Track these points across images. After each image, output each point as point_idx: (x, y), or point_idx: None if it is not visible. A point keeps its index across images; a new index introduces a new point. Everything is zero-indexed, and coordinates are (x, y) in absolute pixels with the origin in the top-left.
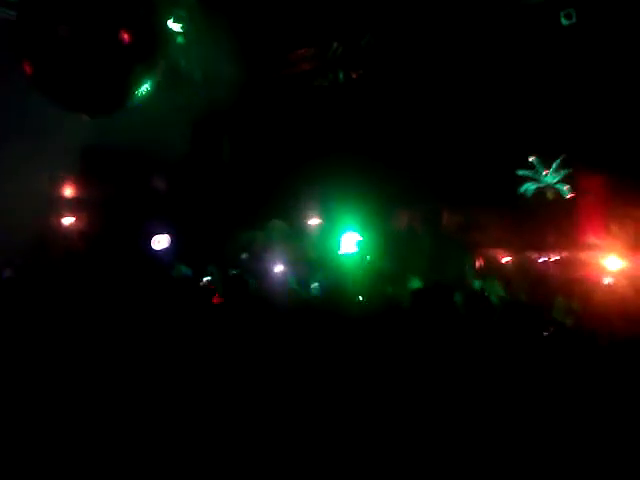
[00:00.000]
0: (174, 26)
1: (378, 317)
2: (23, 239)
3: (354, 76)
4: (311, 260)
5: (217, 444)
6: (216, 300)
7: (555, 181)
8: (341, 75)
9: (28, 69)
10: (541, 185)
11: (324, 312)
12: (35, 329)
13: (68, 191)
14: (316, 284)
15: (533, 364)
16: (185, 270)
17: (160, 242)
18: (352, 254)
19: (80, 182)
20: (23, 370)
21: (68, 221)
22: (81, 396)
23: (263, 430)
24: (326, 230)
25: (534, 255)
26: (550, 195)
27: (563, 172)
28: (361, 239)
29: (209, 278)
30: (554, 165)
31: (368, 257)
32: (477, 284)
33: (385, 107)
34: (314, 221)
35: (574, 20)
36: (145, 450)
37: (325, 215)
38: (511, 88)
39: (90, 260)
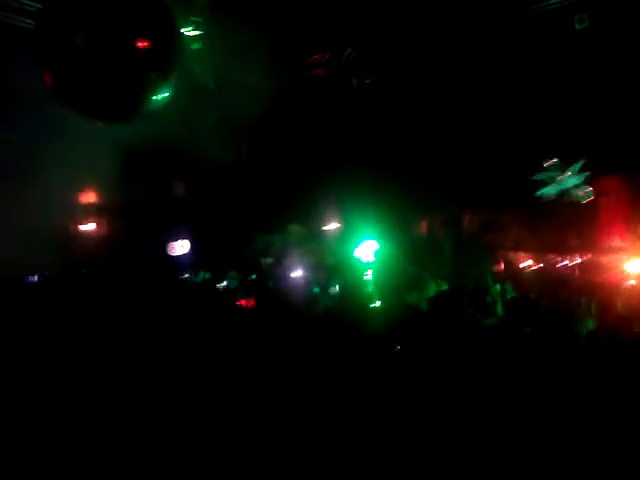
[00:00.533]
0: (189, 32)
1: (398, 322)
2: (48, 245)
3: (367, 82)
4: (329, 265)
5: (235, 445)
6: (243, 303)
7: (576, 183)
8: (355, 81)
9: (47, 78)
10: (562, 187)
11: (343, 317)
12: (59, 332)
13: (89, 198)
14: (334, 289)
15: (554, 367)
16: (204, 275)
17: (180, 247)
18: (370, 260)
19: (100, 188)
20: (47, 372)
21: (89, 227)
22: (105, 397)
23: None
24: (344, 235)
25: (555, 258)
26: (571, 197)
27: (584, 174)
28: (379, 245)
29: (227, 282)
30: (574, 167)
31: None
32: (496, 288)
33: (402, 111)
34: (332, 226)
35: (587, 24)
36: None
37: (343, 220)
38: (529, 91)
39: (111, 266)
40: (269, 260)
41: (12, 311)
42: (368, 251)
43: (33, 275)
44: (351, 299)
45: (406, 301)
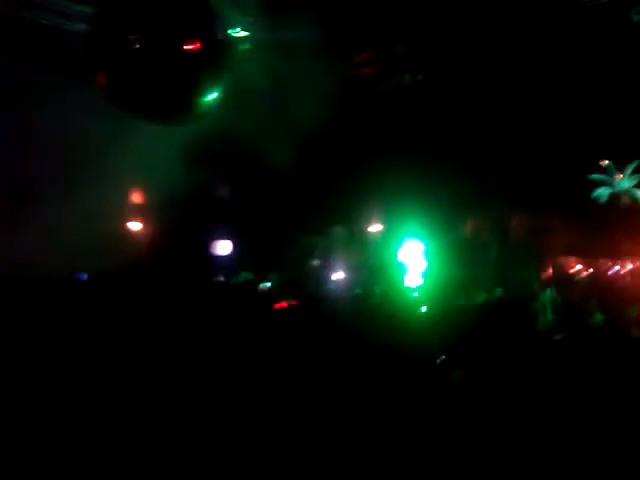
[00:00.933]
0: (239, 34)
1: (448, 326)
2: (96, 244)
3: (420, 78)
4: (373, 267)
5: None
6: (279, 305)
7: (630, 186)
8: (407, 78)
9: (101, 80)
10: (615, 190)
11: (386, 319)
12: (107, 330)
13: (136, 197)
14: (378, 290)
15: (599, 377)
16: (247, 276)
17: (223, 248)
18: (416, 262)
19: (146, 188)
20: (90, 368)
21: (135, 227)
22: (152, 392)
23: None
24: (388, 237)
25: (607, 264)
26: (624, 200)
27: (638, 177)
28: (425, 247)
29: (269, 284)
30: (629, 169)
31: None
32: (546, 294)
33: (451, 110)
34: (376, 227)
35: None
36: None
37: (388, 221)
38: (585, 90)
39: (157, 265)
40: (315, 262)
41: (60, 308)
42: (413, 253)
43: (82, 274)
44: (393, 303)
45: (454, 307)
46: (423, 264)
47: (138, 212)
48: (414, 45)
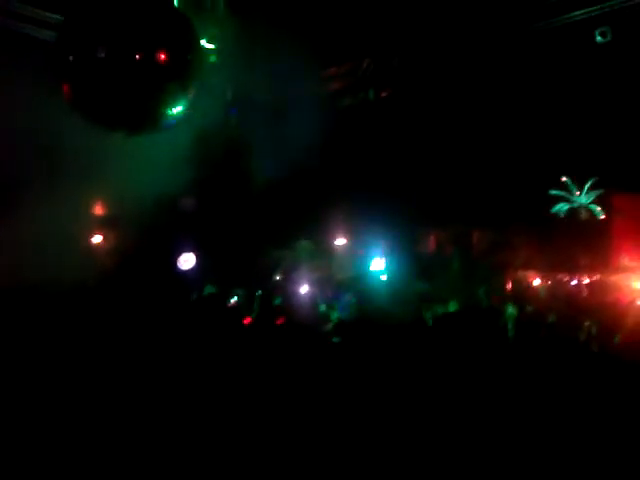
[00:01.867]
0: (207, 45)
1: (412, 339)
2: (66, 257)
3: (384, 95)
4: (338, 281)
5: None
6: (247, 321)
7: (588, 201)
8: (371, 94)
9: (66, 90)
10: (574, 205)
11: (354, 333)
12: (65, 343)
13: (100, 210)
14: (345, 304)
15: (561, 385)
16: (212, 290)
17: (187, 261)
18: (381, 276)
19: (111, 201)
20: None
21: (102, 240)
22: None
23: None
24: (354, 251)
25: (564, 277)
26: (583, 215)
27: (595, 192)
28: (389, 262)
29: (236, 299)
30: (587, 185)
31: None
32: (508, 309)
33: (415, 125)
34: (342, 242)
35: (609, 38)
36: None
37: (353, 236)
38: (543, 108)
39: (120, 278)
40: (279, 276)
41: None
42: (378, 267)
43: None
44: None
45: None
46: (387, 278)
47: (106, 225)
48: (381, 61)
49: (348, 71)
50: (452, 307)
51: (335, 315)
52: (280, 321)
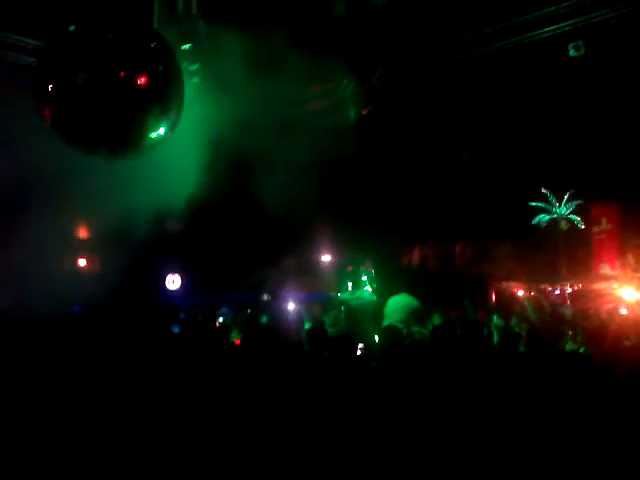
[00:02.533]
0: (189, 66)
1: (398, 354)
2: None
3: (365, 112)
4: (325, 298)
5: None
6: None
7: (568, 212)
8: (352, 113)
9: (47, 114)
10: (554, 216)
11: (340, 350)
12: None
13: (84, 233)
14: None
15: (545, 394)
16: (197, 312)
17: (173, 282)
18: (366, 291)
19: (95, 223)
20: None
21: (82, 264)
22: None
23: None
24: (339, 268)
25: (547, 288)
26: (563, 226)
27: (575, 203)
28: (374, 276)
29: (222, 319)
30: (566, 196)
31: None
32: (493, 319)
33: (397, 142)
34: (327, 258)
35: (583, 52)
36: None
37: (338, 253)
38: (522, 122)
39: (103, 304)
40: (266, 296)
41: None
42: (362, 282)
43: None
44: (353, 331)
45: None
46: (372, 292)
47: (85, 248)
48: (360, 80)
49: (328, 90)
50: (436, 320)
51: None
52: (266, 339)
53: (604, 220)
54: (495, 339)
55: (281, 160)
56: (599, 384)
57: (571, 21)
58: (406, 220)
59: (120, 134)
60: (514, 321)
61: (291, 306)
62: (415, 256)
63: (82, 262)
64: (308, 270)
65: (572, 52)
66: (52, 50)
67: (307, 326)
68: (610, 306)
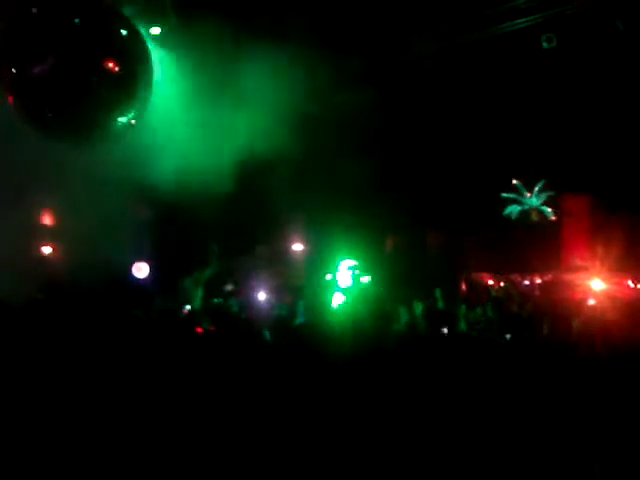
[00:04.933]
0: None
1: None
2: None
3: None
4: (296, 286)
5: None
6: (200, 330)
7: (539, 203)
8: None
9: (12, 100)
10: (525, 207)
11: (311, 339)
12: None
13: (49, 220)
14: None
15: (519, 382)
16: (165, 299)
17: (140, 270)
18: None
19: (61, 210)
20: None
21: (48, 250)
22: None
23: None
24: (311, 256)
25: (517, 278)
26: (534, 217)
27: (546, 194)
28: (352, 265)
29: (189, 307)
30: (537, 187)
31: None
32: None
33: (370, 132)
34: (299, 247)
35: (555, 44)
36: None
37: (310, 241)
38: (493, 113)
39: (70, 290)
40: (230, 286)
41: None
42: (340, 272)
43: None
44: (318, 322)
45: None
46: (349, 281)
47: (50, 235)
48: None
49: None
50: (417, 309)
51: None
52: (237, 328)
53: (574, 211)
54: (464, 328)
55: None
56: (567, 370)
57: (543, 13)
58: (378, 210)
59: (86, 121)
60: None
61: (262, 295)
62: (388, 246)
63: (47, 249)
64: (280, 259)
65: (545, 44)
66: (14, 34)
67: (279, 315)
68: (579, 296)
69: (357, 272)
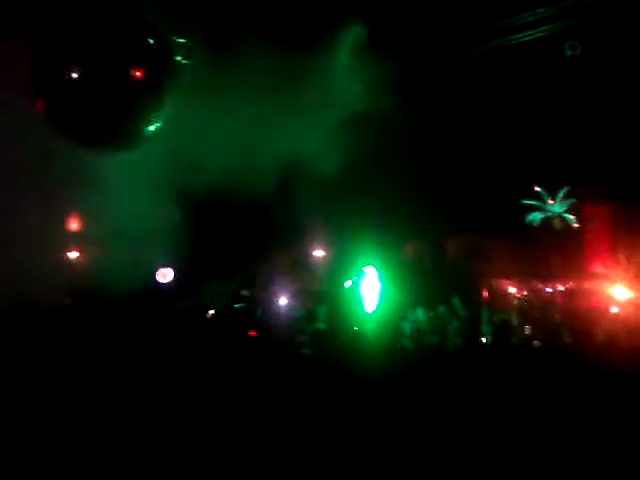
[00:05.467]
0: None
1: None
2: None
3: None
4: (316, 292)
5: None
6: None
7: (561, 210)
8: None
9: (42, 108)
10: (547, 214)
11: (330, 344)
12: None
13: (73, 225)
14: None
15: (539, 389)
16: (189, 302)
17: (165, 275)
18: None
19: (84, 216)
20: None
21: (73, 255)
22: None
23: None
24: (332, 262)
25: (539, 285)
26: (557, 224)
27: (569, 201)
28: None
29: (213, 311)
30: (559, 194)
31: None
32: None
33: (391, 136)
34: (320, 253)
35: (579, 52)
36: None
37: (331, 247)
38: (516, 119)
39: (96, 295)
40: (246, 291)
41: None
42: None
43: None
44: (339, 329)
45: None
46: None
47: (76, 240)
48: None
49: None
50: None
51: (312, 327)
52: (255, 333)
53: (597, 219)
54: (486, 335)
55: (281, 150)
56: (587, 381)
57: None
58: (401, 215)
59: (115, 128)
60: (506, 318)
61: (283, 300)
62: (409, 251)
63: (74, 254)
64: (301, 265)
65: (568, 52)
66: (46, 45)
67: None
68: (601, 304)
69: (377, 279)
